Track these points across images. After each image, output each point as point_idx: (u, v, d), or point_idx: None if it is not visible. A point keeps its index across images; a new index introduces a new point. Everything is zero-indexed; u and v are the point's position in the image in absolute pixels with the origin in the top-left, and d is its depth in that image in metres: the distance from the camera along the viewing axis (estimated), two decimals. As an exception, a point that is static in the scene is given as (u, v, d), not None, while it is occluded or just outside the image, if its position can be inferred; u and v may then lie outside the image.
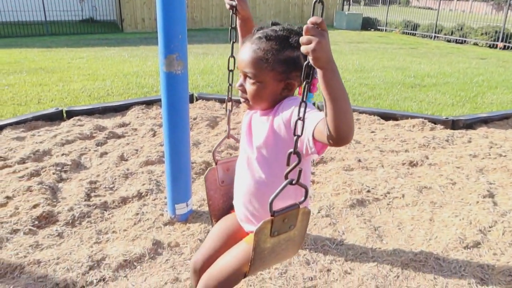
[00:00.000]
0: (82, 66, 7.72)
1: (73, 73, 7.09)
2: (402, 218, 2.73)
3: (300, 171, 1.12)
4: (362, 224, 2.62)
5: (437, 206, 2.87)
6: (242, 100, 1.36)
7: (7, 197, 2.82)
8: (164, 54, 2.31)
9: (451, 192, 3.08)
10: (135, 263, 2.25)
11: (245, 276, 1.40)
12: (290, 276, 2.16)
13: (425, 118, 4.65)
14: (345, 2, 20.29)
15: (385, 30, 17.73)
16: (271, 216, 1.16)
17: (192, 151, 3.63)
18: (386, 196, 2.99)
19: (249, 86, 1.30)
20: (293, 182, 1.13)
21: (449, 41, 14.83)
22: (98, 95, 5.68)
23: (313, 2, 1.00)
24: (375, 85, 6.80)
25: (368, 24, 18.45)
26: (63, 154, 3.54)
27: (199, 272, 1.56)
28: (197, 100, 5.30)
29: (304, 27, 0.98)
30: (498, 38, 13.37)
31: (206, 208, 2.79)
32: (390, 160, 3.60)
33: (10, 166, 3.30)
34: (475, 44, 14.04)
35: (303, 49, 0.99)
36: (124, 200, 2.86)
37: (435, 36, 15.40)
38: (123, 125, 4.33)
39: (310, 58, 0.99)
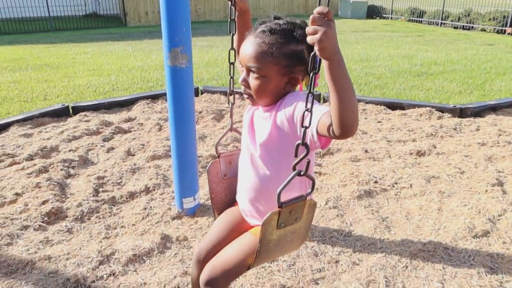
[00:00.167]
0: (87, 62, 7.74)
1: (78, 68, 7.11)
2: (410, 208, 2.72)
3: (308, 163, 1.11)
4: (370, 215, 2.61)
5: (446, 196, 2.85)
6: (245, 96, 1.34)
7: (17, 194, 2.85)
8: (168, 48, 2.30)
9: (459, 181, 3.06)
10: (144, 257, 2.26)
11: (249, 268, 1.40)
12: (298, 268, 2.16)
13: (432, 107, 4.60)
14: (349, -10, 20.03)
15: (391, 18, 17.52)
16: (279, 207, 1.15)
17: (198, 145, 3.64)
18: (393, 186, 2.98)
19: (253, 81, 1.29)
20: (301, 173, 1.13)
21: (456, 27, 14.62)
22: (104, 90, 5.69)
23: None
24: (381, 74, 6.74)
25: (373, 12, 18.24)
26: (70, 150, 3.56)
27: (202, 261, 1.56)
28: (202, 93, 5.29)
29: (311, 17, 0.96)
30: (506, 23, 13.14)
31: (213, 202, 2.79)
32: (398, 150, 3.58)
33: (19, 163, 3.33)
34: (483, 30, 13.83)
35: (309, 39, 0.97)
36: (132, 195, 2.88)
37: (441, 23, 15.19)
38: (129, 120, 4.34)
39: (316, 48, 0.97)
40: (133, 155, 3.54)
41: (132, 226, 2.55)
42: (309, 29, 0.97)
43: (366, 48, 9.51)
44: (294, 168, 1.12)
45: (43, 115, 4.36)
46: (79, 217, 2.62)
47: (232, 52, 1.52)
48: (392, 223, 2.56)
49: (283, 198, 1.16)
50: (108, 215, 2.67)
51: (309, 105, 1.08)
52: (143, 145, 3.71)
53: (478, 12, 14.49)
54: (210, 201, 2.78)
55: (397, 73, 6.87)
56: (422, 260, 2.21)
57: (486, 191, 2.87)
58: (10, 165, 3.32)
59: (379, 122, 4.34)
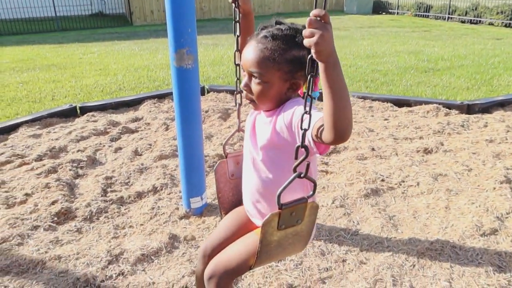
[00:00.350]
0: (94, 61, 7.78)
1: (85, 68, 7.16)
2: (417, 206, 2.72)
3: (308, 165, 1.12)
4: (377, 214, 2.61)
5: (453, 194, 2.84)
6: (247, 101, 1.35)
7: (27, 194, 2.89)
8: (174, 49, 2.32)
9: (467, 178, 3.04)
10: (152, 257, 2.29)
11: (250, 267, 1.41)
12: (305, 267, 2.17)
13: (439, 104, 4.58)
14: (355, -14, 19.89)
15: (397, 13, 17.38)
16: (279, 209, 1.16)
17: (205, 144, 3.65)
18: (400, 184, 2.97)
19: (255, 86, 1.30)
20: (301, 175, 1.14)
21: (463, 21, 14.46)
22: (110, 90, 5.73)
23: None
24: (388, 71, 6.70)
25: (379, 8, 18.10)
26: (78, 151, 3.60)
27: (207, 258, 1.59)
28: (208, 92, 5.30)
29: (307, 19, 0.96)
30: (515, 17, 12.99)
31: (220, 201, 2.81)
32: (404, 148, 3.57)
33: (28, 164, 3.37)
34: (491, 24, 13.67)
35: (306, 42, 0.98)
36: (140, 195, 2.90)
37: (448, 17, 15.04)
38: (136, 119, 4.37)
39: (312, 51, 0.98)
40: (141, 155, 3.56)
41: (140, 226, 2.58)
42: (305, 32, 0.97)
43: (372, 44, 9.46)
44: (294, 170, 1.13)
45: (51, 115, 4.40)
46: (88, 217, 2.65)
47: (238, 54, 1.53)
48: (399, 222, 2.56)
49: (286, 200, 1.17)
50: (117, 215, 2.70)
51: (307, 108, 1.09)
52: (150, 145, 3.73)
53: (485, 6, 14.32)
54: (217, 200, 2.81)
55: (403, 69, 6.83)
56: (429, 259, 2.21)
57: (494, 188, 2.85)
58: (20, 165, 3.36)
59: (386, 119, 4.32)
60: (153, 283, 2.10)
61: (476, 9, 14.37)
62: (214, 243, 1.60)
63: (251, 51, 1.28)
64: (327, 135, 1.05)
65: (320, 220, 2.57)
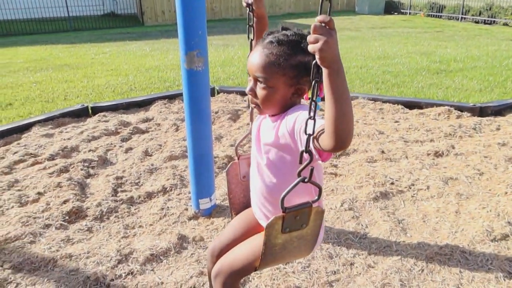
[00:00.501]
0: (105, 62, 7.87)
1: (97, 68, 7.24)
2: (427, 210, 2.70)
3: (312, 169, 1.13)
4: (386, 217, 2.60)
5: (464, 198, 2.81)
6: (252, 105, 1.37)
7: (39, 193, 2.94)
8: (184, 51, 2.34)
9: (478, 183, 3.01)
10: (161, 257, 2.31)
11: (255, 269, 1.42)
12: (313, 270, 2.17)
13: (451, 106, 4.53)
14: (367, -14, 19.78)
15: (409, 13, 17.23)
16: (283, 212, 1.17)
17: (215, 145, 3.67)
18: (410, 188, 2.96)
19: (260, 91, 1.31)
20: (306, 180, 1.15)
21: (477, 22, 14.28)
22: (122, 90, 5.79)
23: (320, 0, 0.99)
24: (399, 72, 6.65)
25: (391, 8, 17.96)
26: (90, 150, 3.65)
27: (216, 258, 1.62)
28: (218, 93, 5.33)
29: (312, 25, 0.97)
30: (530, 17, 12.79)
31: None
32: (415, 151, 3.54)
33: (41, 163, 3.43)
34: (505, 24, 13.47)
35: (310, 48, 0.99)
36: (150, 195, 2.93)
37: (462, 18, 14.87)
38: (146, 120, 4.41)
39: (316, 57, 0.99)
40: (151, 155, 3.60)
41: (150, 226, 2.61)
42: (310, 37, 0.98)
43: (383, 45, 9.40)
44: (299, 175, 1.14)
45: (64, 115, 4.46)
46: (99, 216, 2.69)
47: None
48: (408, 226, 2.54)
49: (294, 202, 1.19)
50: (127, 214, 2.73)
51: (312, 113, 1.09)
52: (160, 145, 3.76)
53: (500, 6, 14.12)
54: (226, 202, 2.83)
55: (415, 70, 6.77)
56: (438, 264, 2.19)
57: (506, 193, 2.82)
58: (33, 164, 3.42)
59: (396, 121, 4.29)
60: (162, 283, 2.12)
61: (490, 9, 14.18)
62: (223, 243, 1.63)
63: (257, 56, 1.30)
64: (327, 142, 1.06)
65: (329, 223, 2.57)
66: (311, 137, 1.12)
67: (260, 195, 1.45)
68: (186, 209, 2.75)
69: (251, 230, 1.59)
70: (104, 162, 3.48)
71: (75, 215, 2.70)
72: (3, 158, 3.52)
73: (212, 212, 2.72)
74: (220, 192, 2.95)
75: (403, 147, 3.62)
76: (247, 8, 1.50)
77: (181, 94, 4.81)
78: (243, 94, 5.20)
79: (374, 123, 4.26)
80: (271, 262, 1.33)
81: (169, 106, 4.86)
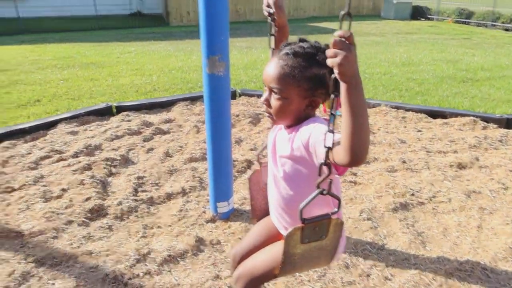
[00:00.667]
0: (130, 61, 8.01)
1: (122, 68, 7.38)
2: (448, 224, 2.65)
3: (330, 182, 1.15)
4: (405, 229, 2.56)
5: (487, 213, 2.75)
6: (266, 115, 1.39)
7: (63, 190, 3.02)
8: (206, 56, 2.36)
9: (502, 197, 2.93)
10: (178, 259, 2.34)
11: (275, 276, 1.44)
12: (328, 279, 2.16)
13: (476, 116, 4.42)
14: (393, -10, 19.51)
15: (436, 19, 16.90)
16: (302, 223, 1.19)
17: (234, 148, 3.69)
18: (431, 200, 2.90)
19: (274, 102, 1.33)
20: (324, 192, 1.16)
21: (507, 29, 13.89)
22: (145, 90, 5.88)
23: (340, 15, 1.00)
24: (424, 80, 6.54)
25: (417, 13, 17.65)
26: (112, 149, 3.72)
27: (237, 263, 1.65)
28: (240, 96, 5.35)
29: (332, 40, 0.98)
30: None
31: (247, 207, 2.84)
32: (437, 162, 3.48)
33: (65, 160, 3.52)
34: (536, 33, 13.07)
35: (329, 62, 1.00)
36: (169, 196, 2.97)
37: (491, 25, 14.49)
38: (168, 121, 4.47)
39: (335, 71, 1.00)
40: (171, 156, 3.65)
41: (168, 227, 2.64)
42: (329, 52, 0.99)
43: (408, 51, 9.25)
44: (317, 187, 1.16)
45: (89, 113, 4.57)
46: (119, 215, 2.75)
47: None
48: (428, 239, 2.50)
49: (314, 213, 1.20)
50: (146, 214, 2.77)
51: (331, 127, 1.11)
52: (181, 147, 3.81)
53: (532, 14, 13.70)
54: (244, 206, 2.85)
55: (440, 78, 6.64)
56: (458, 280, 2.15)
57: (531, 209, 2.74)
58: (58, 161, 3.51)
59: (419, 131, 4.22)
60: (178, 284, 2.15)
61: (521, 17, 13.77)
62: (244, 249, 1.66)
63: (272, 67, 1.32)
64: (342, 156, 1.07)
65: (346, 232, 2.55)
66: (328, 150, 1.13)
67: (278, 206, 1.47)
68: (204, 212, 2.78)
69: (272, 237, 1.61)
70: (126, 161, 3.55)
71: (97, 212, 2.77)
72: (30, 153, 3.63)
73: (230, 216, 2.74)
74: (238, 196, 2.97)
75: (425, 158, 3.56)
76: (269, 18, 1.52)
77: (203, 96, 4.85)
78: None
79: (396, 131, 4.20)
80: (290, 270, 1.36)
81: (191, 107, 4.92)
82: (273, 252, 1.47)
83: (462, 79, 6.62)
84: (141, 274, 2.22)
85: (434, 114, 4.62)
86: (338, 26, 1.01)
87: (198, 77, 6.60)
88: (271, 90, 1.34)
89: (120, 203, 2.84)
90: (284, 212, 1.45)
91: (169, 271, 2.26)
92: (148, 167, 3.40)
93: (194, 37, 11.57)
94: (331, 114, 1.11)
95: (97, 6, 14.55)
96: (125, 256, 2.34)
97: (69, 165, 3.41)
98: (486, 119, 4.40)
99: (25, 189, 3.03)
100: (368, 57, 8.22)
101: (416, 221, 2.67)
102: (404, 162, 3.44)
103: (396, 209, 2.78)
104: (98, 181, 3.12)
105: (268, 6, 1.49)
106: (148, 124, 4.33)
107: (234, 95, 5.28)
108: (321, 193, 1.17)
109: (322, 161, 1.14)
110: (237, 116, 4.51)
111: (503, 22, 14.22)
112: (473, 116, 4.44)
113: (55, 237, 2.51)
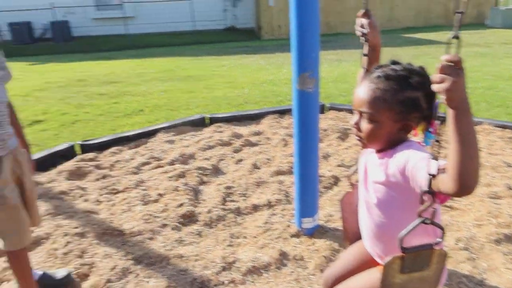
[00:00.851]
0: (224, 74, 8.44)
1: (216, 80, 7.80)
2: None
3: (434, 211, 1.10)
4: (509, 264, 2.31)
5: None
6: (356, 138, 1.36)
7: (160, 194, 3.28)
8: (297, 73, 2.40)
9: None
10: (262, 271, 2.39)
11: None
12: (418, 310, 2.03)
13: None
14: (502, -3, 17.89)
15: (555, 27, 15.03)
16: (402, 252, 1.15)
17: (321, 163, 3.67)
18: (543, 233, 2.58)
19: (365, 125, 1.29)
20: (427, 221, 1.11)
21: None
22: (237, 102, 6.14)
23: (448, 38, 0.96)
24: (537, 96, 5.85)
25: (531, 21, 15.88)
26: (205, 159, 3.94)
27: (329, 286, 1.64)
28: (328, 110, 5.31)
29: (439, 65, 0.94)
30: None
31: (332, 225, 2.80)
32: (552, 190, 3.08)
33: (162, 167, 3.82)
34: None
35: (436, 87, 0.96)
36: (255, 208, 3.06)
37: None
38: (257, 133, 4.61)
39: (443, 97, 0.96)
40: (259, 168, 3.75)
41: (254, 238, 2.71)
42: (435, 77, 0.95)
43: (518, 63, 8.36)
44: (419, 215, 1.11)
45: (185, 124, 4.91)
46: (208, 222, 2.89)
47: None
48: (538, 278, 2.22)
49: (414, 242, 1.16)
50: (233, 224, 2.88)
51: (431, 152, 1.07)
52: (268, 159, 3.90)
53: None
54: (329, 223, 2.81)
55: (558, 95, 5.88)
56: None
57: None
58: (156, 167, 3.82)
59: (530, 154, 3.78)
60: (261, 296, 2.19)
61: None
62: (337, 273, 1.63)
63: (363, 91, 1.29)
64: (449, 186, 1.01)
65: (439, 261, 2.37)
66: (432, 178, 1.08)
67: (371, 233, 1.43)
68: (289, 226, 2.80)
69: (366, 263, 1.57)
70: (216, 171, 3.73)
71: (188, 218, 2.95)
72: (133, 159, 4.01)
73: (314, 233, 2.72)
74: (323, 212, 2.94)
75: (537, 185, 3.18)
76: (362, 38, 1.50)
77: (291, 109, 4.91)
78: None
79: (501, 153, 3.81)
80: None
81: (280, 120, 5.01)
82: (369, 279, 1.43)
83: None
84: (226, 282, 2.31)
85: (549, 136, 4.11)
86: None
87: (288, 91, 6.70)
88: (361, 114, 1.31)
89: (209, 211, 2.99)
90: (378, 240, 1.41)
91: (253, 281, 2.32)
92: (237, 178, 3.53)
93: (285, 51, 11.78)
94: (436, 140, 1.08)
95: (195, 22, 15.64)
96: (212, 263, 2.45)
97: (165, 172, 3.68)
98: None
99: (128, 192, 3.35)
100: (471, 70, 7.58)
101: (523, 257, 2.39)
102: (510, 188, 3.10)
103: (500, 240, 2.51)
104: (190, 188, 3.33)
105: (362, 26, 1.48)
106: (238, 136, 4.51)
107: (322, 109, 5.26)
108: (424, 222, 1.12)
109: (425, 189, 1.09)
110: (325, 130, 4.48)
111: None
112: None
113: (151, 238, 2.73)
